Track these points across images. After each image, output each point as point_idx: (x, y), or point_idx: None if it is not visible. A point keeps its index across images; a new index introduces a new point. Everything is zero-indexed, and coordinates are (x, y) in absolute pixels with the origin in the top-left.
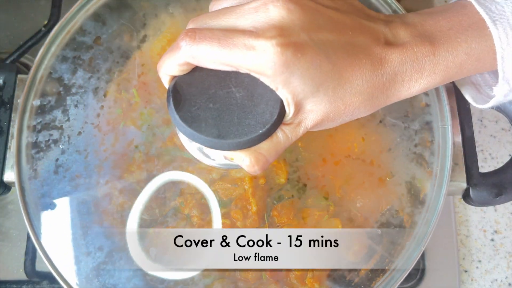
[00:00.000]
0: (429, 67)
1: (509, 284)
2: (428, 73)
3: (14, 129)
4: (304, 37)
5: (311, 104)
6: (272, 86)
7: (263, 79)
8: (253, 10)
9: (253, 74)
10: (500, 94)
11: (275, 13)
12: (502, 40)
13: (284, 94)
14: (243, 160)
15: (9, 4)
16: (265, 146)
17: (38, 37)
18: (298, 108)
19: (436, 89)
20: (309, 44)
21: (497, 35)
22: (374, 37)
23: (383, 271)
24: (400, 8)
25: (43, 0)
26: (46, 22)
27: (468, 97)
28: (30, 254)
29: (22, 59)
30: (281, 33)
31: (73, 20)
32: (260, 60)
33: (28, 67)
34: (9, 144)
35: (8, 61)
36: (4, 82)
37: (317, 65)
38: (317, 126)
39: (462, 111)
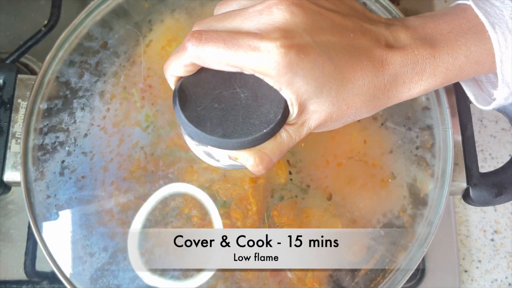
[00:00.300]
0: (430, 69)
1: (509, 284)
2: (428, 75)
3: (14, 130)
4: (307, 39)
5: (315, 104)
6: (276, 87)
7: (267, 79)
8: (257, 13)
9: (257, 74)
10: (500, 97)
11: (279, 16)
12: (500, 44)
13: (288, 94)
14: (248, 159)
15: (9, 4)
16: (269, 146)
17: (38, 37)
18: (302, 108)
19: (436, 93)
20: (312, 46)
21: (495, 38)
22: (375, 39)
23: (386, 271)
24: (399, 14)
25: (43, 0)
26: (46, 22)
27: (470, 95)
28: (30, 254)
29: (22, 59)
30: (285, 35)
31: (80, 26)
32: (264, 61)
33: (28, 67)
34: (9, 144)
35: (8, 61)
36: (4, 82)
37: (320, 66)
38: (321, 126)
39: (462, 111)
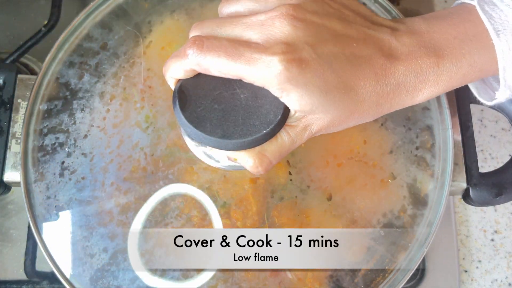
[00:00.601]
0: (433, 78)
1: (509, 284)
2: (431, 83)
3: (14, 130)
4: (309, 51)
5: (318, 111)
6: (276, 95)
7: (267, 87)
8: (260, 23)
9: (257, 84)
10: (502, 97)
11: (281, 29)
12: (504, 52)
13: (289, 103)
14: (247, 161)
15: (9, 4)
16: (269, 147)
17: (38, 37)
18: (304, 114)
19: None
20: (313, 58)
21: (499, 47)
22: (379, 47)
23: (386, 271)
24: (399, 15)
25: (43, 0)
26: (46, 22)
27: (472, 88)
28: (30, 254)
29: (22, 59)
30: (286, 49)
31: (80, 26)
32: (265, 73)
33: (28, 67)
34: (9, 144)
35: (8, 61)
36: (4, 82)
37: (321, 76)
38: (322, 131)
39: (462, 111)
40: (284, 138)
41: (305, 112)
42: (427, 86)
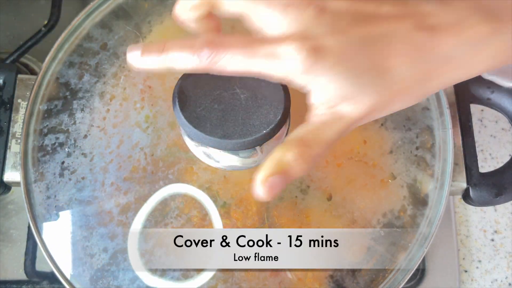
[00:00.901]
0: (489, 50)
1: (509, 284)
2: (486, 56)
3: (14, 130)
4: (334, 37)
5: (349, 97)
6: (302, 85)
7: (290, 79)
8: (286, 4)
9: (278, 77)
10: None
11: (304, 16)
12: None
13: (316, 91)
14: (285, 155)
15: (9, 4)
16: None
17: (38, 37)
18: (333, 103)
19: (436, 93)
20: (339, 42)
21: None
22: (417, 20)
23: (386, 271)
24: None
25: (43, 0)
26: (46, 22)
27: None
28: (30, 254)
29: (22, 59)
30: (308, 35)
31: (80, 27)
32: (285, 67)
33: (28, 67)
34: (9, 144)
35: (8, 61)
36: (4, 82)
37: (349, 60)
38: (364, 119)
39: (462, 111)
40: (325, 129)
41: (336, 99)
42: (483, 59)
